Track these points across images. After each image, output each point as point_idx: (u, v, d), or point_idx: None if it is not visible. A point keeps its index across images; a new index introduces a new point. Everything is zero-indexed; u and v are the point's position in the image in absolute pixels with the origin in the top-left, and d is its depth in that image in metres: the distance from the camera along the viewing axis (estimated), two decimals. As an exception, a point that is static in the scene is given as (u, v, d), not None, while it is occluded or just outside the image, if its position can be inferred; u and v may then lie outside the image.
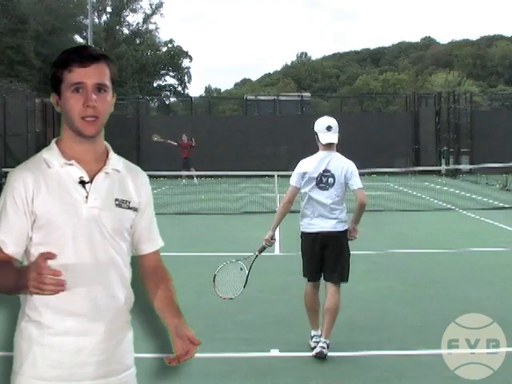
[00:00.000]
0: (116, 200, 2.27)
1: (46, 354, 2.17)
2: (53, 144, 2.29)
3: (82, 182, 2.22)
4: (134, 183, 2.36)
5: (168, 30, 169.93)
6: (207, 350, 6.06)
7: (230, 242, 12.36)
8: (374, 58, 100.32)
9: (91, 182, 2.23)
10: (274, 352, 5.98)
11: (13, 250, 2.17)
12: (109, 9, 61.17)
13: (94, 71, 2.20)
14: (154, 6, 61.47)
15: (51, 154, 2.25)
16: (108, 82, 2.23)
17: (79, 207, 2.20)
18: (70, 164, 2.22)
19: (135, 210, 2.33)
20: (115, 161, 2.33)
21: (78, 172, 2.23)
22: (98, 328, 2.22)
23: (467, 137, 32.11)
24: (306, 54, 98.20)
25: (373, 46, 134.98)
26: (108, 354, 2.25)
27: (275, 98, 37.80)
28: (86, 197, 2.21)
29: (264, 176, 21.59)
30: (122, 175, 2.33)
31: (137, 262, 2.42)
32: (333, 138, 5.94)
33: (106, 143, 2.35)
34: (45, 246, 2.15)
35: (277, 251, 10.71)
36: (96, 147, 2.30)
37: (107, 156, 2.32)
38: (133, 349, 2.40)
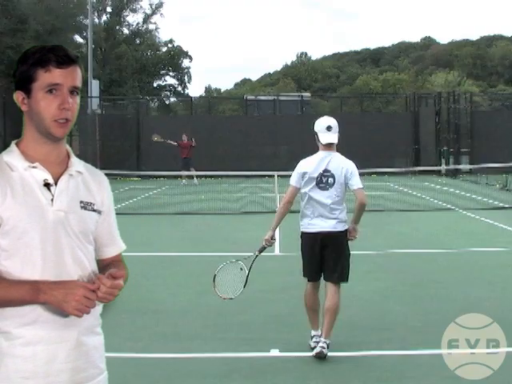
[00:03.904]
0: (81, 202, 2.23)
1: (19, 366, 2.10)
2: (13, 146, 2.22)
3: (47, 185, 2.17)
4: (97, 185, 2.32)
5: (168, 30, 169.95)
6: (207, 350, 6.07)
7: (230, 242, 12.36)
8: (374, 58, 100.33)
9: (56, 184, 2.18)
10: (274, 352, 5.98)
11: None
12: (109, 9, 61.09)
13: (71, 73, 2.17)
14: (153, 6, 61.40)
15: (13, 157, 2.18)
16: (80, 86, 2.21)
17: (45, 210, 2.14)
18: (33, 167, 2.16)
19: (99, 212, 2.29)
20: (77, 163, 2.28)
21: (42, 174, 2.17)
22: (70, 334, 2.16)
23: (467, 137, 32.11)
24: (306, 54, 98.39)
25: (373, 45, 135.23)
26: (82, 359, 2.19)
27: (275, 98, 37.77)
28: (52, 200, 2.16)
29: (264, 176, 21.59)
30: (85, 177, 2.29)
31: (98, 265, 2.33)
32: (333, 137, 5.94)
33: (67, 146, 2.30)
34: (12, 252, 2.10)
35: (277, 251, 10.70)
36: (60, 150, 2.24)
37: (68, 159, 2.27)
38: (104, 353, 2.32)
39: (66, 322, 2.13)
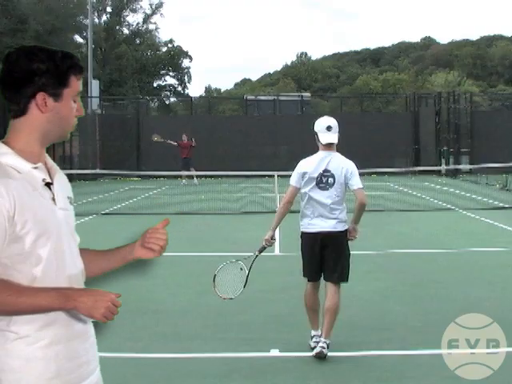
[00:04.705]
0: (68, 198, 2.28)
1: (43, 368, 2.11)
2: (5, 148, 2.15)
3: (48, 184, 2.19)
4: (66, 179, 2.37)
5: (168, 30, 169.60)
6: (207, 350, 6.07)
7: (230, 242, 12.36)
8: (374, 58, 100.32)
9: (52, 183, 2.21)
10: (274, 352, 5.98)
11: None
12: (109, 9, 61.14)
13: None
14: (153, 6, 61.46)
15: (13, 159, 2.13)
16: None
17: (53, 209, 2.17)
18: (35, 167, 2.16)
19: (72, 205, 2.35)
20: (51, 160, 2.30)
21: (42, 175, 2.18)
22: (85, 327, 2.21)
23: (467, 137, 32.13)
24: (306, 54, 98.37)
25: (373, 45, 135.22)
26: (91, 351, 2.25)
27: (275, 97, 37.78)
28: (53, 198, 2.18)
29: (264, 176, 21.59)
30: (61, 174, 2.33)
31: None
32: (333, 137, 5.94)
33: None
34: (27, 256, 2.09)
35: (277, 251, 10.71)
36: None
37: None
38: None
39: (78, 316, 2.15)
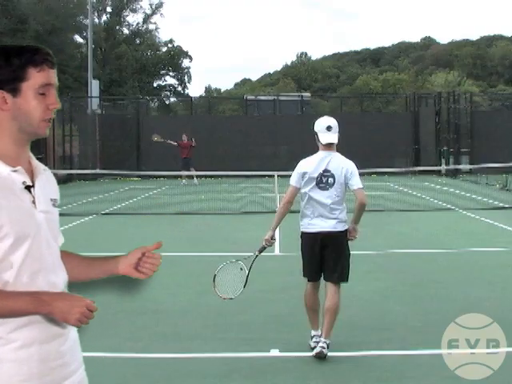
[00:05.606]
0: (51, 200, 2.24)
1: (14, 370, 2.08)
2: None
3: (28, 187, 2.14)
4: (54, 181, 2.33)
5: (168, 30, 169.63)
6: (207, 350, 6.07)
7: (230, 242, 12.36)
8: (374, 58, 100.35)
9: (33, 185, 2.16)
10: (274, 352, 5.98)
11: None
12: (109, 9, 61.18)
13: (55, 74, 2.18)
14: (153, 6, 61.55)
15: None
16: None
17: (33, 213, 2.13)
18: (15, 171, 2.12)
19: (57, 207, 2.30)
20: (37, 161, 2.25)
21: (21, 177, 2.13)
22: (60, 331, 2.17)
23: (467, 137, 32.12)
24: (306, 54, 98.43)
25: (373, 45, 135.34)
26: (69, 354, 2.21)
27: (275, 98, 37.76)
28: (33, 201, 2.14)
29: (264, 176, 21.59)
30: (47, 174, 2.28)
31: None
32: (333, 137, 5.94)
33: None
34: (6, 259, 2.06)
35: (277, 251, 10.71)
36: (28, 149, 2.22)
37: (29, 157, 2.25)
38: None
39: (55, 319, 2.13)
